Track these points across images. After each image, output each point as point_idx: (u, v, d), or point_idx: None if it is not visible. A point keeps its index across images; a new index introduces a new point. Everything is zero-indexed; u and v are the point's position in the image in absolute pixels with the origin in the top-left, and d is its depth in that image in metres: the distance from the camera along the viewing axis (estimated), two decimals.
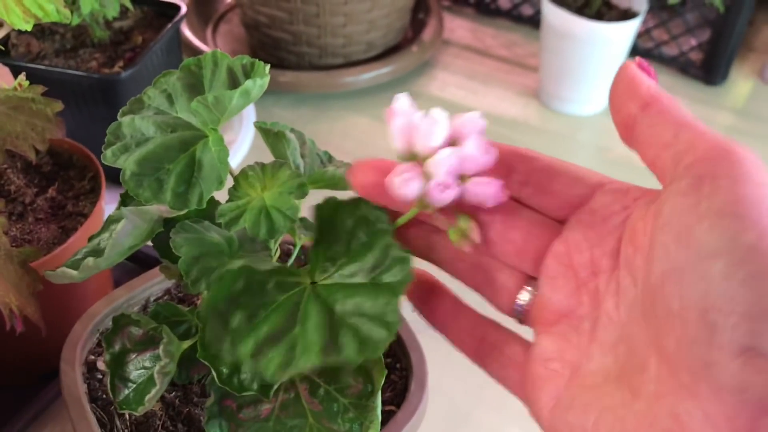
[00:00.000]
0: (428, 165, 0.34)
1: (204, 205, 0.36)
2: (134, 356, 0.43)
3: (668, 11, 1.19)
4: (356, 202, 0.36)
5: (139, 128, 0.38)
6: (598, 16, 1.02)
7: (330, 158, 0.45)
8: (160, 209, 0.39)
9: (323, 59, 1.11)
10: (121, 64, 0.82)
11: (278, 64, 1.12)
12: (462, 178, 0.35)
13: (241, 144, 0.96)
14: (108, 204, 0.69)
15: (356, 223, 0.36)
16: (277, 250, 0.41)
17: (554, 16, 1.02)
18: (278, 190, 0.36)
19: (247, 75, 0.38)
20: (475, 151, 0.34)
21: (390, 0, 1.06)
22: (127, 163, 0.36)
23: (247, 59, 0.39)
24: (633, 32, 1.02)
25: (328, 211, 0.37)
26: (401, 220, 0.37)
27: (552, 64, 1.06)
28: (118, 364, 0.42)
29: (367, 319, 0.33)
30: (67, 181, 0.70)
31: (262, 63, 0.38)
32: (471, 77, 1.17)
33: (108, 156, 0.37)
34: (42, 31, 0.87)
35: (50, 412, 0.70)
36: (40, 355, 0.71)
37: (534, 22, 1.26)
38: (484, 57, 1.22)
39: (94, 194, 0.68)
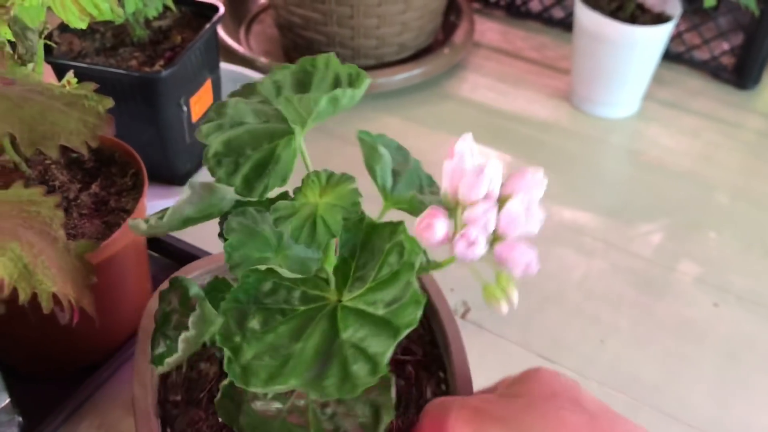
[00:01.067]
0: (464, 215, 0.34)
1: (264, 197, 0.36)
2: (178, 318, 0.44)
3: (700, 15, 1.19)
4: (396, 227, 0.37)
5: (239, 112, 0.39)
6: (632, 19, 1.02)
7: (431, 183, 0.45)
8: (232, 192, 0.40)
9: (356, 60, 1.11)
10: (161, 63, 0.83)
11: None
12: (497, 237, 0.34)
13: None
14: (150, 201, 0.70)
15: (391, 249, 0.36)
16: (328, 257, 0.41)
17: (587, 18, 1.02)
18: (332, 203, 0.36)
19: (351, 84, 0.39)
20: (518, 212, 0.33)
21: (423, 2, 1.07)
22: (214, 142, 0.37)
23: (354, 69, 0.40)
24: (666, 36, 1.02)
25: (369, 227, 0.37)
26: (436, 266, 0.37)
27: (584, 66, 1.06)
28: (165, 321, 0.43)
29: (362, 355, 0.33)
30: (109, 177, 0.71)
31: (364, 75, 0.39)
32: (501, 79, 1.17)
33: (202, 131, 0.38)
34: (83, 29, 0.88)
35: (90, 405, 0.71)
36: (82, 349, 0.72)
37: (565, 24, 1.26)
38: (515, 59, 1.22)
39: (136, 191, 0.69)
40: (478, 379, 0.64)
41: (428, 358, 0.53)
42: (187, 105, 0.87)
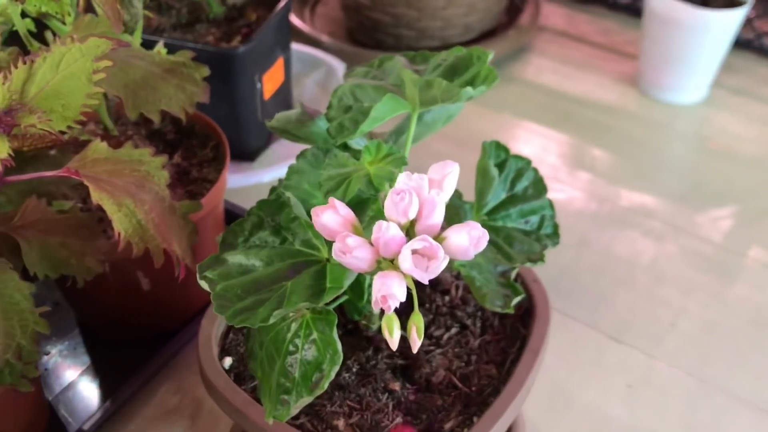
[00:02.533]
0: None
1: (343, 140, 0.43)
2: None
3: None
4: None
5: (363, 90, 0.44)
6: (704, 3, 1.01)
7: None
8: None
9: (420, 42, 1.12)
10: (239, 39, 0.84)
11: (376, 46, 1.14)
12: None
13: None
14: (230, 174, 0.72)
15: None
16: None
17: (659, 2, 1.01)
18: (381, 168, 0.42)
19: (484, 81, 0.41)
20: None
21: None
22: (340, 116, 0.42)
23: (491, 70, 0.45)
24: (738, 21, 1.01)
25: None
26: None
27: (653, 50, 1.05)
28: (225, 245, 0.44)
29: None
30: (190, 149, 0.73)
31: (494, 75, 0.45)
32: (566, 63, 1.17)
33: (330, 114, 0.44)
34: (159, 6, 0.90)
35: (167, 370, 0.73)
36: (160, 315, 0.74)
37: (631, 9, 1.25)
38: (580, 43, 1.21)
39: (217, 162, 0.71)
40: (549, 356, 0.64)
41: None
42: (261, 82, 0.88)
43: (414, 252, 0.35)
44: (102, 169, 0.43)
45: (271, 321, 0.37)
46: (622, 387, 0.72)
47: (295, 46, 1.07)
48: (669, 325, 0.78)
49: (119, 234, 0.41)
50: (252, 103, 0.89)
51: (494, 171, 0.50)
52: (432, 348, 0.54)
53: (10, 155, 0.40)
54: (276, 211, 0.42)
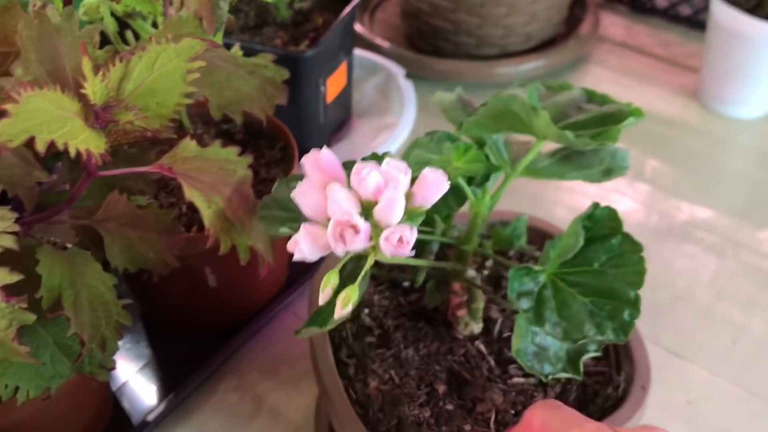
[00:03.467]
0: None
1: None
2: None
3: None
4: None
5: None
6: None
7: None
8: None
9: (480, 49, 1.12)
10: (306, 42, 0.86)
11: (434, 53, 1.14)
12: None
13: (403, 128, 0.98)
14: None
15: None
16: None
17: (724, 15, 0.99)
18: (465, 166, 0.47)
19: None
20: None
21: None
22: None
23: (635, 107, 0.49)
24: None
25: None
26: None
27: (716, 64, 1.04)
28: None
29: None
30: (258, 149, 0.74)
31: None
32: (626, 74, 1.16)
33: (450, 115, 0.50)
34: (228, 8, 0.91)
35: (228, 367, 0.75)
36: (223, 312, 0.75)
37: (692, 22, 1.24)
38: (639, 55, 1.20)
39: (285, 163, 0.72)
40: None
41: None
42: (324, 85, 0.89)
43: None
44: (191, 166, 0.44)
45: None
46: (683, 403, 0.71)
47: (355, 51, 1.08)
48: (730, 342, 0.77)
49: (209, 230, 0.42)
50: (315, 107, 0.90)
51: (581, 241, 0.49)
52: (499, 381, 0.54)
53: (106, 150, 0.41)
54: None
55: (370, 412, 0.52)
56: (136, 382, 0.73)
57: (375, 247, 0.39)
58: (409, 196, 0.41)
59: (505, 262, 0.50)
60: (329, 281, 0.39)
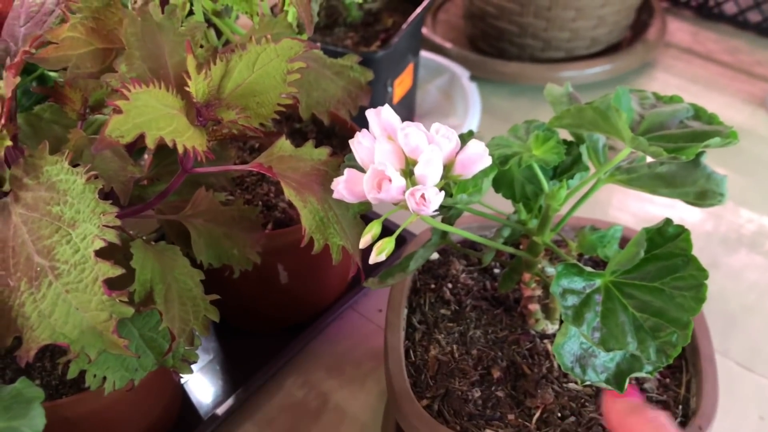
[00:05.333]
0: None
1: None
2: None
3: None
4: None
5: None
6: None
7: None
8: None
9: (545, 52, 1.11)
10: (377, 43, 0.86)
11: (499, 55, 1.14)
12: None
13: (467, 130, 0.98)
14: None
15: None
16: None
17: None
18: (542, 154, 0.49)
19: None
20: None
21: None
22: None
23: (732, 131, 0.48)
24: None
25: None
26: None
27: None
28: None
29: None
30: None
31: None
32: (693, 81, 1.14)
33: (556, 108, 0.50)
34: None
35: (295, 363, 0.75)
36: (292, 308, 0.75)
37: (761, 29, 1.22)
38: (706, 61, 1.18)
39: None
40: None
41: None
42: (392, 86, 0.90)
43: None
44: (287, 165, 0.44)
45: None
46: (755, 418, 0.70)
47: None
48: None
49: (304, 229, 0.43)
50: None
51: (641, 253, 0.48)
52: (555, 383, 0.54)
53: (209, 148, 0.41)
54: None
55: (423, 376, 0.55)
56: (204, 375, 0.74)
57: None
58: (450, 165, 0.43)
59: (563, 255, 0.50)
60: (372, 228, 0.41)
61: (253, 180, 0.70)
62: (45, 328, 0.40)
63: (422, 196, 0.40)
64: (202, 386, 0.73)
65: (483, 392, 0.54)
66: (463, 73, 1.07)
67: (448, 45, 1.13)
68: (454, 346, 0.57)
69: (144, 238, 0.55)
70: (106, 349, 0.41)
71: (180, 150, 0.38)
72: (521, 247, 0.55)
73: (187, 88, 0.41)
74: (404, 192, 0.40)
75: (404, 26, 0.86)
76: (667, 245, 0.46)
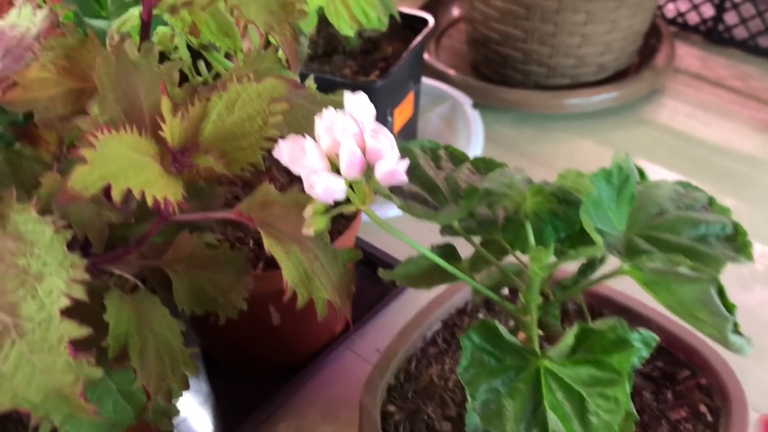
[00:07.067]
0: None
1: None
2: None
3: None
4: None
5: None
6: None
7: None
8: None
9: (550, 79, 1.08)
10: (376, 72, 0.83)
11: (502, 81, 1.11)
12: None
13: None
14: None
15: None
16: None
17: None
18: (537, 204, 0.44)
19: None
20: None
21: (629, 23, 1.03)
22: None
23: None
24: None
25: None
26: None
27: None
28: None
29: None
30: None
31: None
32: (703, 108, 1.11)
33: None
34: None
35: (288, 406, 0.72)
36: (285, 350, 0.73)
37: None
38: (716, 87, 1.15)
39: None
40: None
41: None
42: (392, 116, 0.87)
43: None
44: (270, 213, 0.41)
45: None
46: None
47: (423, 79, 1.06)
48: None
49: (286, 283, 0.40)
50: None
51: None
52: None
53: (184, 197, 0.39)
54: None
55: (409, 385, 0.54)
56: (194, 419, 0.71)
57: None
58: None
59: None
60: (312, 208, 0.40)
61: None
62: (6, 392, 0.37)
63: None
64: (191, 430, 0.70)
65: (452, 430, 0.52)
66: (465, 101, 1.05)
67: (450, 71, 1.11)
68: (454, 376, 0.55)
69: (127, 278, 0.52)
70: (73, 414, 0.38)
71: (149, 202, 0.35)
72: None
73: (162, 132, 0.38)
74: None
75: (404, 55, 0.83)
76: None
